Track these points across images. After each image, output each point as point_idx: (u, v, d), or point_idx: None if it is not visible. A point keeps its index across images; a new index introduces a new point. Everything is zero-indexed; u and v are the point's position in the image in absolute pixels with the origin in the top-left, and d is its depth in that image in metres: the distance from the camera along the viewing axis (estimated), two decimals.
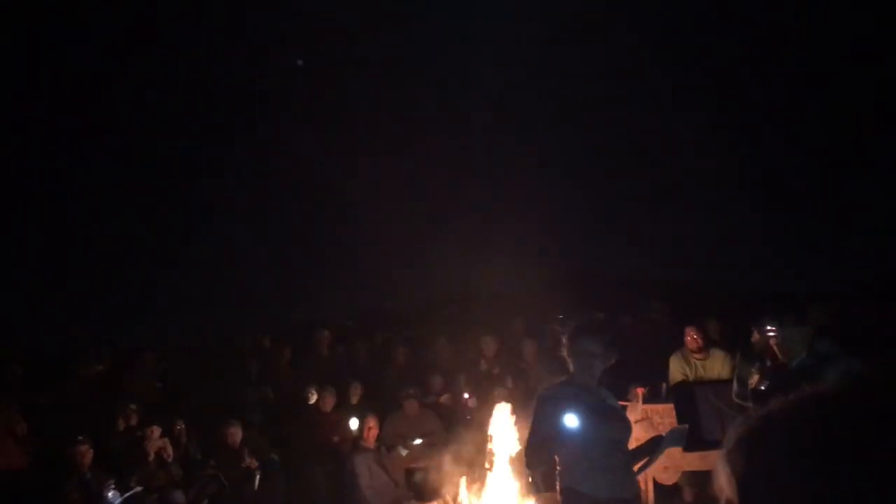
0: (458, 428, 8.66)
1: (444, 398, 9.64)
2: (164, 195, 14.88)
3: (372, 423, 8.37)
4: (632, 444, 4.26)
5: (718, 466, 0.92)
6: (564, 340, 4.18)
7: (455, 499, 7.26)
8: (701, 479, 7.59)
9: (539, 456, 4.00)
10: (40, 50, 13.34)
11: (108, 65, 13.92)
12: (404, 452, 8.54)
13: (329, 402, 9.21)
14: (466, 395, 9.28)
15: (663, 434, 4.12)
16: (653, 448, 4.25)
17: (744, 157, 12.75)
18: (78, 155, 14.36)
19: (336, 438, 8.97)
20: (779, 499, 0.83)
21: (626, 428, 4.22)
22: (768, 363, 5.12)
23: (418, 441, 8.68)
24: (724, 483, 0.90)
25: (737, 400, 5.37)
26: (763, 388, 5.13)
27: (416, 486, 8.24)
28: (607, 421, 4.09)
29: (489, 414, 7.71)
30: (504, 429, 6.73)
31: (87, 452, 7.45)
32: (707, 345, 8.03)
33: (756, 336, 5.67)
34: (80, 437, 7.58)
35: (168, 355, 11.05)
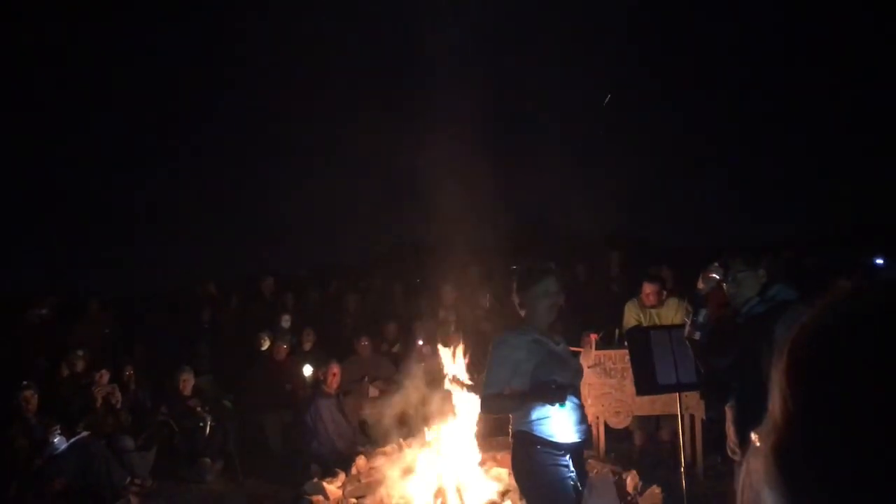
0: (412, 374, 8.68)
1: (396, 348, 9.64)
2: (116, 142, 14.45)
3: (335, 369, 8.33)
4: (584, 389, 4.29)
5: (773, 387, 0.78)
6: (518, 284, 4.13)
7: (410, 443, 7.29)
8: (651, 424, 7.76)
9: (497, 402, 3.99)
10: None
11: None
12: (374, 392, 8.57)
13: (282, 350, 9.15)
14: (421, 342, 9.29)
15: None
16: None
17: (695, 110, 12.84)
18: (32, 97, 13.84)
19: (289, 386, 8.93)
20: (848, 405, 0.70)
21: (579, 372, 4.24)
22: (702, 313, 5.13)
23: (372, 386, 8.70)
24: (775, 397, 0.76)
25: (688, 338, 5.41)
26: (696, 337, 5.15)
27: (370, 430, 8.26)
28: (562, 365, 4.10)
29: (444, 359, 7.75)
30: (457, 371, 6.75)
31: (32, 398, 7.28)
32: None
33: (701, 284, 5.71)
34: (26, 382, 7.40)
35: (115, 303, 10.85)
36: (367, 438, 8.13)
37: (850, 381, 0.70)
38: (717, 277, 5.06)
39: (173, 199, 13.94)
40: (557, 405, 3.83)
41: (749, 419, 4.39)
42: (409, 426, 8.06)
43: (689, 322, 5.25)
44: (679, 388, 5.54)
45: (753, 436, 0.81)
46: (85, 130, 14.19)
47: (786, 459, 0.74)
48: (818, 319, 0.77)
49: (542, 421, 3.91)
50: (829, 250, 9.83)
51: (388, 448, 7.38)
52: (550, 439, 3.90)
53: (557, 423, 3.92)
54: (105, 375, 7.91)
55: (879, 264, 9.92)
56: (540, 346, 4.00)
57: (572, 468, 3.94)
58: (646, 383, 5.54)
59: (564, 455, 3.93)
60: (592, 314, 8.76)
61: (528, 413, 3.92)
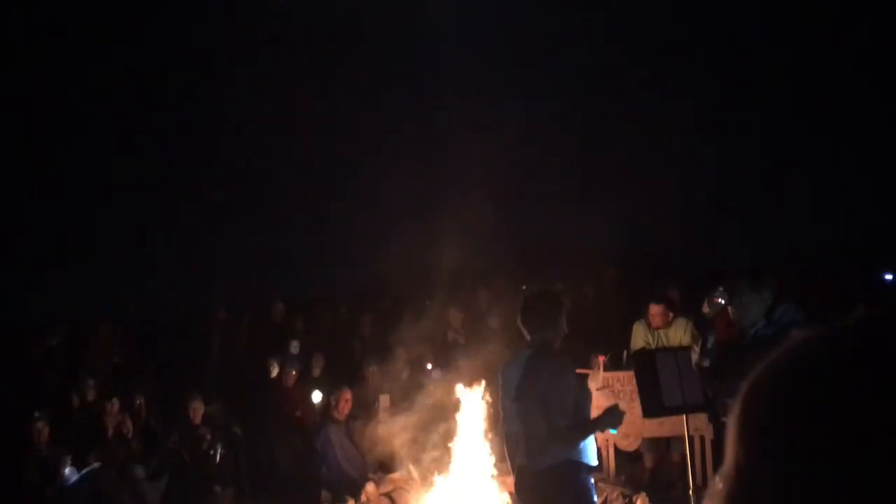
0: (422, 398, 8.67)
1: (405, 374, 9.58)
2: (123, 167, 14.56)
3: (347, 395, 8.33)
4: (593, 413, 4.32)
5: (727, 432, 0.76)
6: (542, 307, 4.13)
7: (418, 469, 7.29)
8: (661, 446, 7.72)
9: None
10: None
11: None
12: (385, 402, 8.54)
13: (291, 377, 9.18)
14: (430, 366, 9.28)
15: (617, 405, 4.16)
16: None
17: (697, 125, 12.85)
18: (42, 123, 13.97)
19: (298, 413, 8.95)
20: (789, 458, 0.69)
21: None
22: (710, 339, 5.15)
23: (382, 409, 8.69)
24: (729, 445, 0.75)
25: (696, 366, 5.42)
26: (706, 364, 5.17)
27: (381, 456, 8.26)
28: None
29: (454, 384, 7.74)
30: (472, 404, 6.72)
31: (43, 429, 7.33)
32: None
33: (706, 308, 5.72)
34: (37, 414, 7.45)
35: (126, 329, 10.90)
36: (378, 464, 8.09)
37: (796, 438, 0.69)
38: (723, 302, 5.08)
39: (182, 225, 14.02)
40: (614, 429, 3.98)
41: None
42: (419, 451, 8.06)
43: (698, 350, 5.27)
44: (685, 409, 5.52)
45: (716, 478, 0.82)
46: (94, 156, 14.32)
47: None
48: (768, 369, 0.75)
49: (586, 447, 3.99)
50: (838, 267, 9.79)
51: (398, 474, 7.38)
52: (590, 464, 4.02)
53: (592, 449, 4.04)
54: (116, 405, 7.95)
55: (889, 280, 9.90)
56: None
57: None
58: (652, 406, 5.53)
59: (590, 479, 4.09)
60: (600, 335, 8.74)
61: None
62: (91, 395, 8.38)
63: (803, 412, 0.70)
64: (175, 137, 14.61)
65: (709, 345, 5.00)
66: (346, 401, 8.27)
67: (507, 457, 4.24)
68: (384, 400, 8.68)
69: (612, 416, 3.99)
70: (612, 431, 4.10)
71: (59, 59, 13.60)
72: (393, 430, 8.59)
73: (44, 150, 14.12)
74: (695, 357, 5.18)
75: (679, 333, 7.81)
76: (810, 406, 0.70)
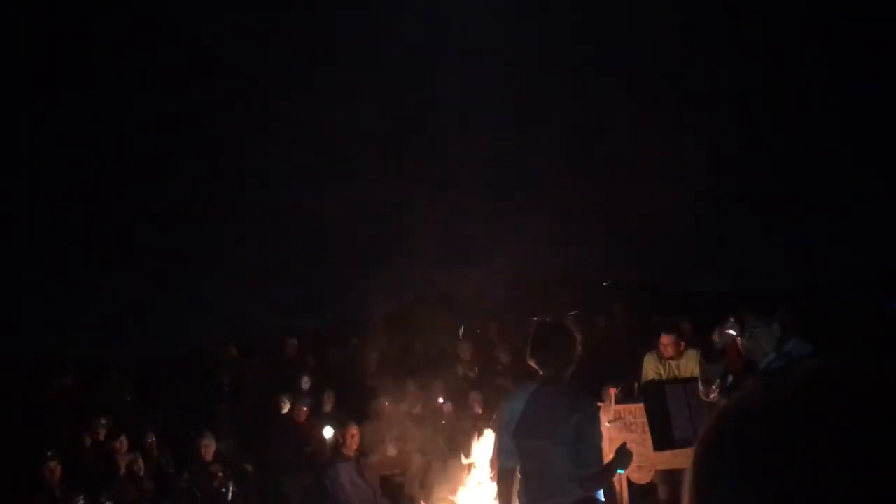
0: (434, 433, 8.64)
1: (417, 410, 9.56)
2: (130, 205, 14.74)
3: (354, 430, 8.31)
4: (605, 445, 4.29)
5: (685, 474, 0.79)
6: (562, 340, 4.08)
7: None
8: (675, 477, 7.64)
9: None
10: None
11: None
12: (393, 451, 8.50)
13: (302, 412, 9.16)
14: (441, 401, 9.25)
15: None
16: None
17: (709, 157, 12.91)
18: (51, 166, 14.21)
19: (310, 449, 8.92)
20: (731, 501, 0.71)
21: None
22: (730, 378, 5.15)
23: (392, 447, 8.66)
24: (685, 484, 0.78)
25: (704, 399, 5.41)
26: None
27: (392, 492, 8.22)
28: None
29: (465, 418, 7.73)
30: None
31: (56, 469, 7.33)
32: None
33: (716, 337, 5.71)
34: (50, 453, 7.46)
35: (137, 368, 10.95)
36: (389, 500, 8.06)
37: (740, 490, 0.70)
38: (734, 334, 5.08)
39: (192, 264, 14.13)
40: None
41: None
42: (429, 486, 8.01)
43: (715, 387, 5.24)
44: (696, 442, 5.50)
45: None
46: (107, 195, 14.50)
47: None
48: (716, 421, 0.77)
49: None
50: (848, 295, 9.74)
51: None
52: (602, 500, 4.03)
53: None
54: (124, 443, 7.96)
55: None
56: None
57: None
58: (663, 439, 5.53)
59: None
60: (611, 366, 8.71)
61: None
62: (102, 435, 8.39)
63: (748, 465, 0.71)
64: (186, 181, 14.81)
65: (728, 383, 5.00)
66: (353, 436, 8.24)
67: (499, 493, 4.14)
68: (391, 448, 8.65)
69: (622, 458, 3.93)
70: (620, 471, 4.05)
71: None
72: (404, 465, 8.58)
73: (54, 197, 14.32)
74: (714, 396, 5.16)
75: (691, 364, 7.76)
76: (755, 459, 0.71)
